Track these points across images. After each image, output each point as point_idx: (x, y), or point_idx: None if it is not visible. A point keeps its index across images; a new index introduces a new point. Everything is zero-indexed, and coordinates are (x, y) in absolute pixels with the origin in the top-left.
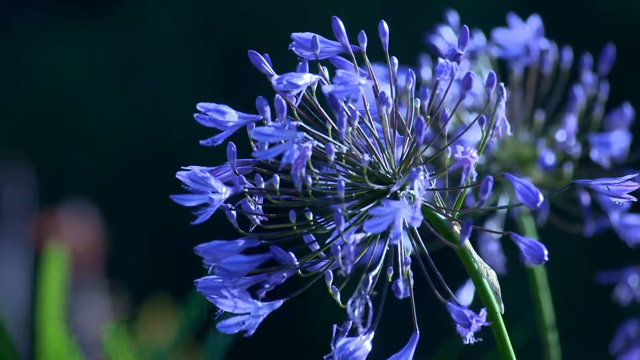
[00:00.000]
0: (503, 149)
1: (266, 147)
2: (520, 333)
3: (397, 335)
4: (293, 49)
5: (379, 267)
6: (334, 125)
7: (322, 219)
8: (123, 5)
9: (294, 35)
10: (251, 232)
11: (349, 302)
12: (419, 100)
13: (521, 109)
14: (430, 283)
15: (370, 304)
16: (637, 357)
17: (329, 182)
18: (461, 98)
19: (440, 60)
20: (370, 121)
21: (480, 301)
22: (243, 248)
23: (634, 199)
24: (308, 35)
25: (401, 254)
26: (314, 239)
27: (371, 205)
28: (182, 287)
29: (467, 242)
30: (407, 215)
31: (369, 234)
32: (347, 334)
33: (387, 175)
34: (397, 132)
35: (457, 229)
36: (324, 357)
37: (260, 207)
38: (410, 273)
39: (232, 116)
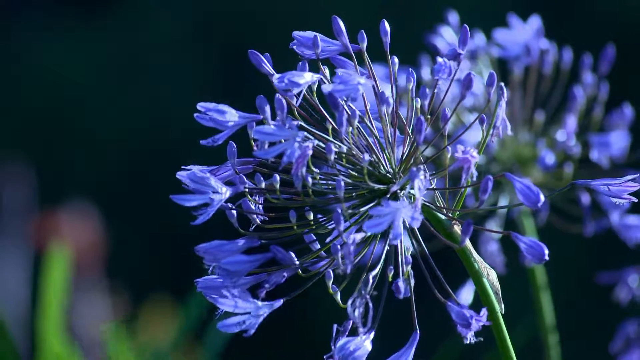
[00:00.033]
0: (503, 149)
1: (266, 146)
2: (521, 333)
3: (397, 335)
4: (294, 47)
5: (379, 266)
6: (334, 124)
7: (323, 218)
8: (123, 5)
9: (295, 33)
10: (251, 232)
11: (349, 301)
12: (419, 100)
13: (521, 109)
14: (430, 283)
15: (370, 304)
16: (637, 357)
17: (329, 182)
18: (461, 98)
19: (439, 59)
20: (370, 121)
21: (480, 301)
22: (243, 248)
23: (635, 200)
24: (309, 34)
25: (401, 254)
26: (315, 238)
27: (371, 205)
28: (182, 287)
29: (467, 242)
30: (407, 215)
31: (369, 233)
32: (347, 333)
33: (388, 174)
34: (397, 132)
35: (457, 228)
36: (324, 356)
37: (260, 206)
38: (411, 273)
39: (232, 116)
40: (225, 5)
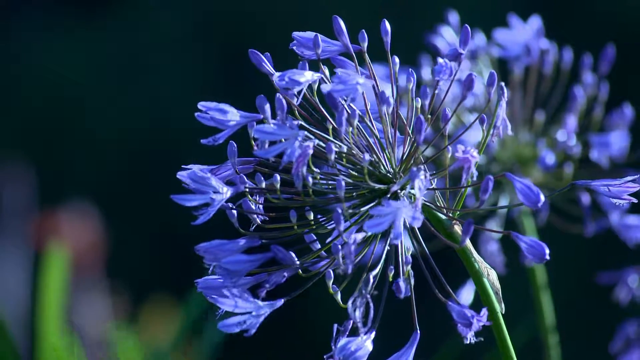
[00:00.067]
0: (503, 149)
1: (267, 145)
2: (521, 333)
3: (397, 335)
4: (294, 48)
5: (379, 266)
6: (335, 124)
7: (323, 218)
8: (123, 5)
9: (295, 34)
10: (252, 232)
11: (350, 301)
12: (419, 100)
13: (521, 108)
14: (431, 283)
15: (371, 304)
16: (637, 357)
17: (329, 182)
18: (462, 98)
19: (439, 60)
20: (370, 120)
21: (480, 301)
22: (244, 247)
23: (635, 200)
24: (309, 34)
25: (402, 254)
26: (315, 238)
27: (372, 204)
28: (182, 287)
29: (467, 242)
30: (408, 215)
31: (369, 233)
32: (347, 333)
33: (388, 174)
34: (397, 132)
35: (457, 228)
36: (325, 356)
37: (260, 206)
38: (411, 272)
39: (233, 115)
40: (225, 5)
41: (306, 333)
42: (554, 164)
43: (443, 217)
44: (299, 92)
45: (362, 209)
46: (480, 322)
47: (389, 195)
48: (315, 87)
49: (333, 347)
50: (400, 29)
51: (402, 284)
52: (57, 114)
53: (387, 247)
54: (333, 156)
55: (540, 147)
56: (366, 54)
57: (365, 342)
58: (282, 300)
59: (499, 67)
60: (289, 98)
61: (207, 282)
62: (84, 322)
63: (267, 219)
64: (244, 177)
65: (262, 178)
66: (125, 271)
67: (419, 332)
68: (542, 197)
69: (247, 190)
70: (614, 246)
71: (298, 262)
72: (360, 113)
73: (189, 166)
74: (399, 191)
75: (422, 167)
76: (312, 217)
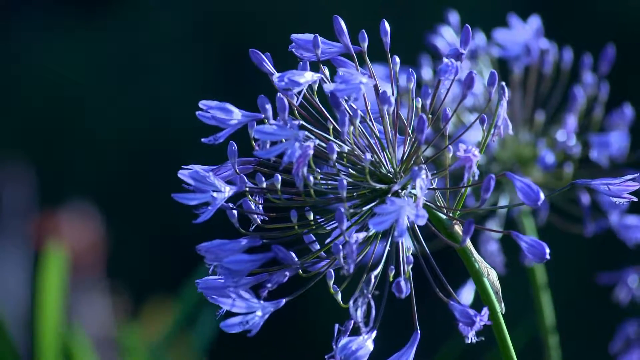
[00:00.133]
0: (503, 149)
1: (268, 145)
2: (522, 333)
3: (398, 335)
4: (293, 50)
5: (380, 266)
6: (335, 124)
7: (322, 219)
8: (123, 5)
9: (294, 36)
10: (252, 232)
11: (351, 301)
12: (420, 100)
13: (521, 108)
14: (431, 282)
15: (372, 303)
16: (637, 357)
17: (329, 182)
18: (463, 98)
19: (445, 59)
20: (371, 120)
21: (480, 301)
22: (245, 247)
23: (635, 199)
24: (308, 36)
25: (403, 253)
26: (314, 239)
27: (373, 204)
28: (182, 287)
29: (468, 242)
30: (411, 213)
31: (371, 232)
32: (348, 333)
33: (389, 174)
34: (398, 132)
35: (458, 228)
36: (326, 356)
37: (260, 206)
38: (410, 273)
39: (234, 114)
40: (225, 5)
41: (307, 333)
42: (553, 164)
43: (443, 216)
44: (299, 93)
45: (363, 209)
46: (482, 322)
47: (390, 195)
48: (315, 87)
49: (334, 347)
50: (400, 29)
51: (403, 283)
52: (57, 114)
53: (387, 247)
54: (334, 156)
55: (540, 147)
56: (366, 55)
57: (367, 342)
58: (284, 300)
59: (498, 67)
60: (289, 98)
61: (207, 283)
62: (84, 322)
63: (267, 219)
64: (244, 177)
65: (263, 178)
66: (125, 271)
67: (419, 332)
68: (542, 196)
69: (248, 190)
70: (614, 246)
71: (299, 262)
72: (361, 113)
73: (189, 166)
74: (399, 191)
75: (423, 166)
76: (312, 217)
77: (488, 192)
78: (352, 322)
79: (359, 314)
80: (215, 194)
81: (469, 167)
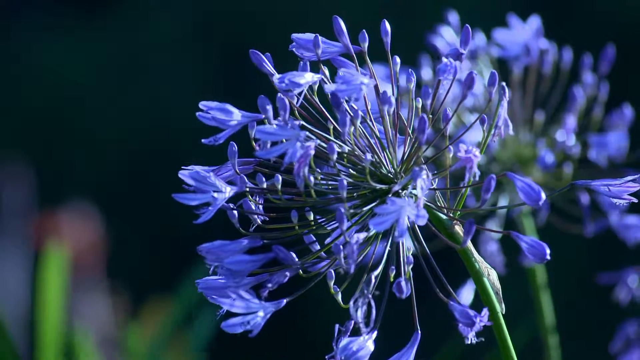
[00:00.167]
0: (503, 149)
1: (268, 146)
2: (522, 333)
3: (398, 335)
4: (293, 49)
5: (381, 266)
6: (336, 124)
7: (323, 219)
8: (123, 5)
9: (294, 36)
10: (252, 232)
11: (352, 301)
12: (420, 100)
13: (521, 109)
14: (432, 282)
15: (373, 304)
16: (637, 357)
17: (329, 182)
18: (463, 98)
19: (444, 59)
20: (371, 120)
21: (480, 301)
22: (246, 248)
23: (635, 200)
24: (309, 36)
25: (403, 254)
26: (314, 239)
27: (373, 204)
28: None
29: (468, 242)
30: (412, 214)
31: (371, 233)
32: (349, 333)
33: (389, 174)
34: (398, 132)
35: (458, 228)
36: (326, 357)
37: (260, 206)
38: (411, 273)
39: (234, 115)
40: (225, 5)
41: (307, 333)
42: (553, 164)
43: (444, 217)
44: (300, 94)
45: (363, 209)
46: (482, 322)
47: (390, 195)
48: (316, 87)
49: (335, 347)
50: (400, 29)
51: (403, 284)
52: (57, 114)
53: (388, 248)
54: (335, 156)
55: (539, 147)
56: (367, 55)
57: (367, 342)
58: (285, 300)
59: (498, 67)
60: (290, 98)
61: (208, 283)
62: (84, 322)
63: (268, 219)
64: (244, 177)
65: (263, 178)
66: (125, 271)
67: (419, 332)
68: (543, 196)
69: (248, 190)
70: (614, 246)
71: (299, 263)
72: (361, 113)
73: (189, 167)
74: (400, 191)
75: (423, 167)
76: (312, 217)
77: (489, 193)
78: (353, 322)
79: (360, 315)
80: (215, 195)
81: (469, 167)
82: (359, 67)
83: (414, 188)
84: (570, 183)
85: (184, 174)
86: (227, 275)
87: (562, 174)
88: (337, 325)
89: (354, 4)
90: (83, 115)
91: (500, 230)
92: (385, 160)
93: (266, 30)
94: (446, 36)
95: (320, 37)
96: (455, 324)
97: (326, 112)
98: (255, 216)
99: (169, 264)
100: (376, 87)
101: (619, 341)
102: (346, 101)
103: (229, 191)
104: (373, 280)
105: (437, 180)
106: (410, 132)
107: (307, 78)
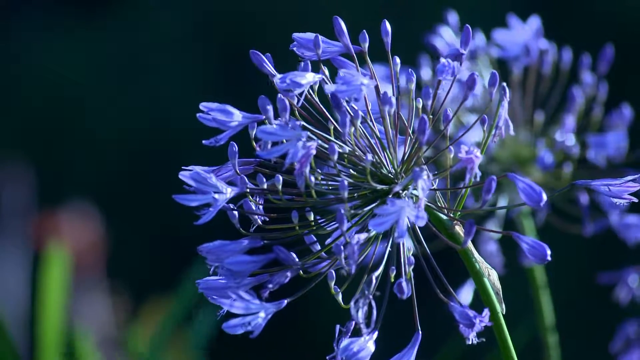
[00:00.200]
0: (502, 149)
1: (269, 146)
2: (522, 333)
3: (399, 336)
4: (294, 49)
5: (381, 267)
6: (336, 125)
7: (323, 220)
8: (123, 5)
9: (295, 35)
10: (253, 233)
11: (352, 302)
12: (420, 100)
13: (520, 109)
14: (432, 283)
15: (373, 304)
16: (637, 357)
17: (330, 182)
18: (464, 99)
19: (442, 59)
20: (372, 121)
21: (480, 301)
22: (246, 248)
23: (635, 200)
24: (310, 35)
25: (404, 254)
26: (315, 239)
27: (374, 205)
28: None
29: (469, 242)
30: (412, 214)
31: (372, 234)
32: (349, 334)
33: (389, 175)
34: (398, 133)
35: (459, 229)
36: (327, 357)
37: (261, 207)
38: (412, 273)
39: (235, 116)
40: (225, 5)
41: (307, 333)
42: (552, 164)
43: (444, 217)
44: (301, 94)
45: (364, 209)
46: (482, 323)
47: (391, 196)
48: (316, 87)
49: (335, 348)
50: (400, 29)
51: (404, 284)
52: (57, 114)
53: (388, 248)
54: (336, 157)
55: (539, 147)
56: (367, 55)
57: (368, 343)
58: (286, 301)
59: (498, 67)
60: (290, 98)
61: (208, 283)
62: (84, 322)
63: (268, 219)
64: (245, 177)
65: (264, 179)
66: (125, 271)
67: (420, 332)
68: (545, 197)
69: (249, 191)
70: (614, 246)
71: (300, 263)
72: (362, 114)
73: (189, 167)
74: (400, 192)
75: (424, 167)
76: (312, 218)
77: (489, 194)
78: (354, 323)
79: (361, 315)
80: (216, 196)
81: (470, 168)
82: (359, 67)
83: (415, 188)
84: (571, 183)
85: (184, 175)
86: (228, 275)
87: (562, 174)
88: (337, 326)
89: (354, 4)
90: (83, 115)
91: (501, 231)
92: (386, 160)
93: (266, 30)
94: (445, 36)
95: (320, 37)
96: (456, 325)
97: (327, 112)
98: (256, 216)
99: (169, 264)
100: (376, 87)
101: (619, 341)
102: (346, 102)
103: (229, 192)
104: (374, 281)
105: (437, 180)
106: (410, 132)
107: (309, 78)
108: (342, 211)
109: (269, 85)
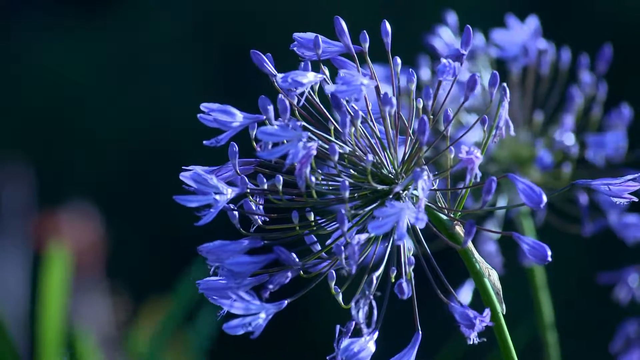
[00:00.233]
0: (501, 149)
1: (270, 146)
2: (522, 333)
3: (399, 336)
4: (295, 49)
5: (382, 267)
6: (337, 125)
7: (323, 220)
8: (123, 5)
9: (296, 35)
10: (253, 233)
11: (353, 302)
12: (421, 101)
13: (519, 109)
14: (432, 283)
15: (374, 305)
16: (637, 357)
17: (330, 183)
18: (465, 99)
19: (443, 60)
20: (372, 121)
21: (480, 301)
22: (247, 248)
23: (635, 199)
24: (310, 35)
25: (404, 254)
26: (315, 240)
27: (374, 205)
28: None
29: (469, 243)
30: (411, 216)
31: (372, 234)
32: (350, 334)
33: (390, 175)
34: (398, 133)
35: (459, 229)
36: (327, 357)
37: (261, 207)
38: (412, 274)
39: (236, 116)
40: (225, 5)
41: (308, 333)
42: (551, 164)
43: (444, 217)
44: (301, 94)
45: (365, 210)
46: (483, 323)
47: (391, 196)
48: (316, 87)
49: (336, 348)
50: (400, 29)
51: (404, 284)
52: (57, 114)
53: (389, 248)
54: (336, 157)
55: (538, 147)
56: (367, 55)
57: (368, 343)
58: (286, 301)
59: (497, 67)
60: (290, 99)
61: (208, 284)
62: (84, 322)
63: (268, 220)
64: (245, 178)
65: (264, 179)
66: (125, 271)
67: (420, 333)
68: (545, 198)
69: (249, 191)
70: (614, 246)
71: (300, 263)
72: (362, 114)
73: (189, 167)
74: (401, 192)
75: (424, 167)
76: (312, 218)
77: (490, 194)
78: (354, 323)
79: (361, 315)
80: (217, 197)
81: (471, 168)
82: (359, 68)
83: (415, 189)
84: (571, 183)
85: (185, 176)
86: (228, 276)
87: (561, 173)
88: (338, 326)
89: (354, 4)
90: (83, 115)
91: (502, 231)
92: (386, 160)
93: (266, 30)
94: (444, 37)
95: (321, 37)
96: (456, 325)
97: (327, 113)
98: (256, 217)
99: (169, 264)
100: (377, 87)
101: (619, 341)
102: (347, 102)
103: (230, 193)
104: (374, 281)
105: (437, 181)
106: (410, 132)
107: (310, 77)
108: (343, 211)
109: (270, 85)
